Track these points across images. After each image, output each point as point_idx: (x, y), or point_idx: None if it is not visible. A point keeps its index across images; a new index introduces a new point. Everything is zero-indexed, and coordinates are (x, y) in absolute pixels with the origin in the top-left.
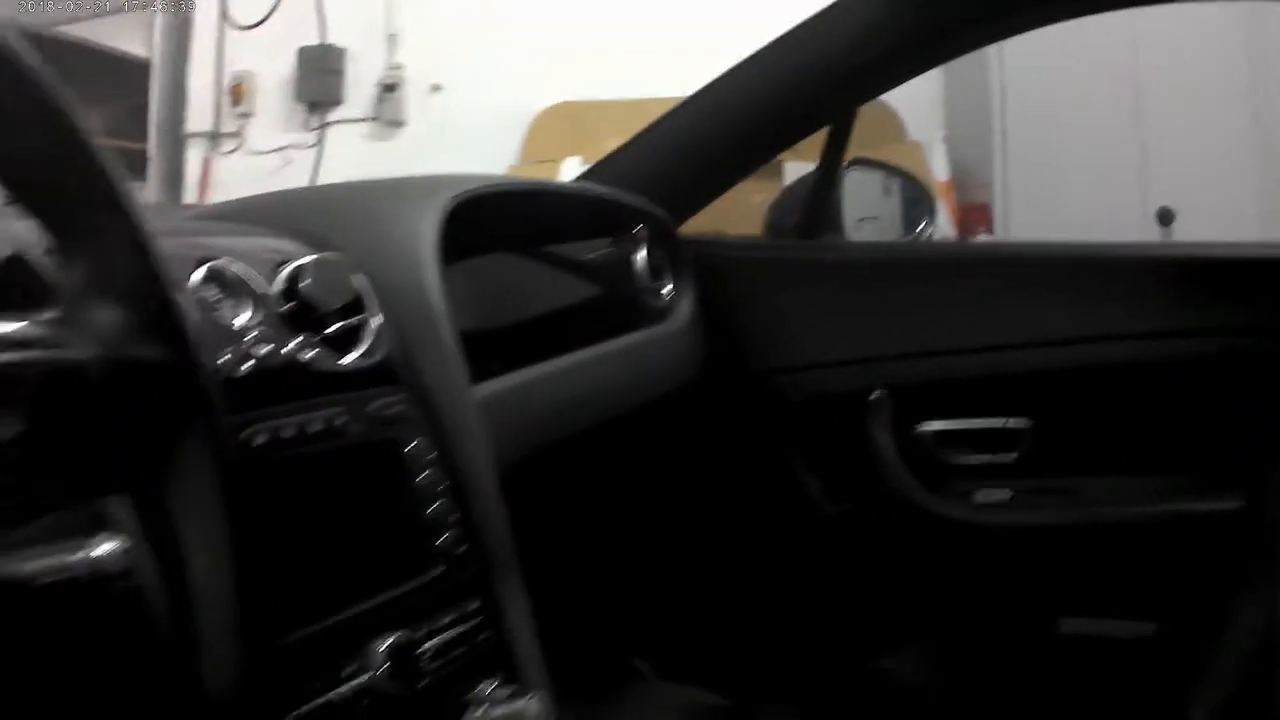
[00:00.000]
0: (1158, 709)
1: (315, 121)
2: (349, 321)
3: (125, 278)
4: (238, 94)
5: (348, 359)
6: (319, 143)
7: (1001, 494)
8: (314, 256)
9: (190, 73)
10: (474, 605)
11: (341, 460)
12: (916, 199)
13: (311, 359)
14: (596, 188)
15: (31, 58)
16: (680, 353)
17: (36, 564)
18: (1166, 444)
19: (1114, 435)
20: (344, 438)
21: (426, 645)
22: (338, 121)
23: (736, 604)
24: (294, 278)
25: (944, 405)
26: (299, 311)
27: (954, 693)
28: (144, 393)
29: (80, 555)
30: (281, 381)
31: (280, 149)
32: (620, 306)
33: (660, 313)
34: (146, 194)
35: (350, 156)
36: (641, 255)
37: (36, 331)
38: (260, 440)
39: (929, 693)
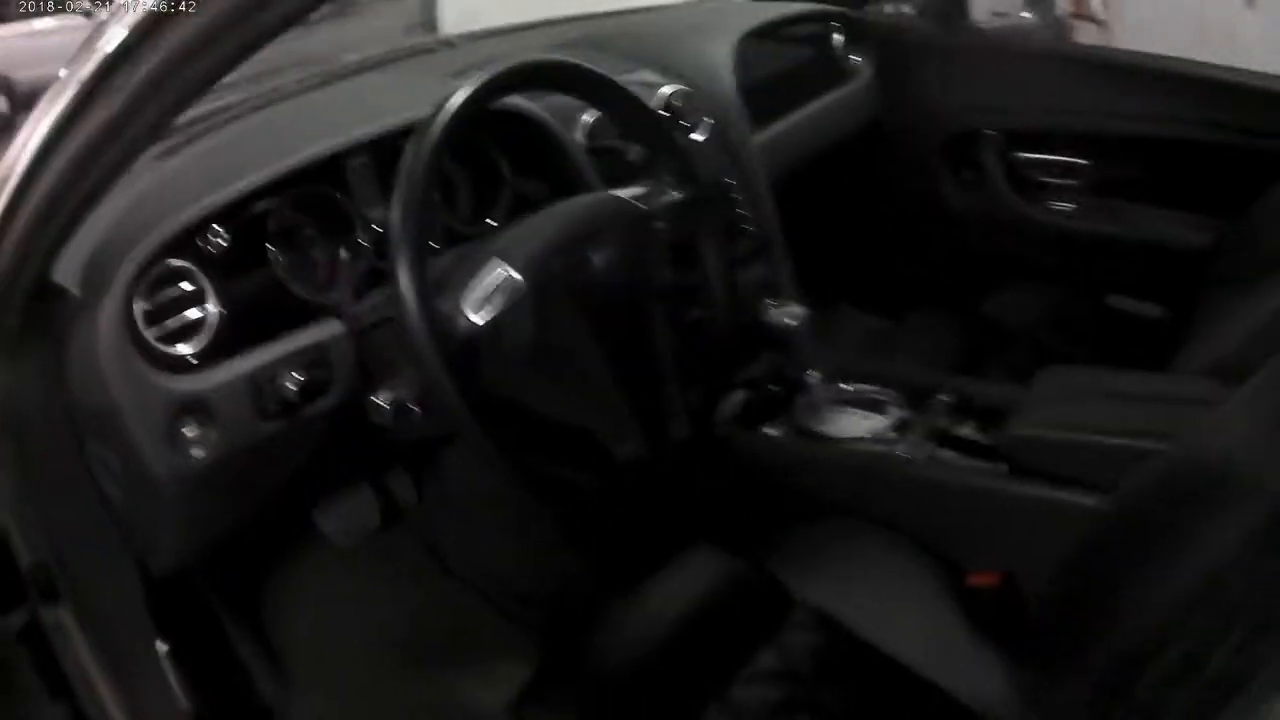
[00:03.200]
0: None
1: None
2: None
3: (677, 171)
4: None
5: (697, 137)
6: None
7: (1069, 206)
8: (678, 88)
9: None
10: (760, 258)
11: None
12: None
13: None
14: (807, 4)
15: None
16: (864, 103)
17: None
18: (1170, 189)
19: (1145, 176)
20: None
21: (741, 277)
22: None
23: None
24: (669, 101)
25: (1033, 144)
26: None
27: (1036, 329)
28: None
29: None
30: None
31: None
32: (824, 72)
33: (851, 75)
34: None
35: None
36: (837, 36)
37: (654, 190)
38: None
39: (1019, 326)
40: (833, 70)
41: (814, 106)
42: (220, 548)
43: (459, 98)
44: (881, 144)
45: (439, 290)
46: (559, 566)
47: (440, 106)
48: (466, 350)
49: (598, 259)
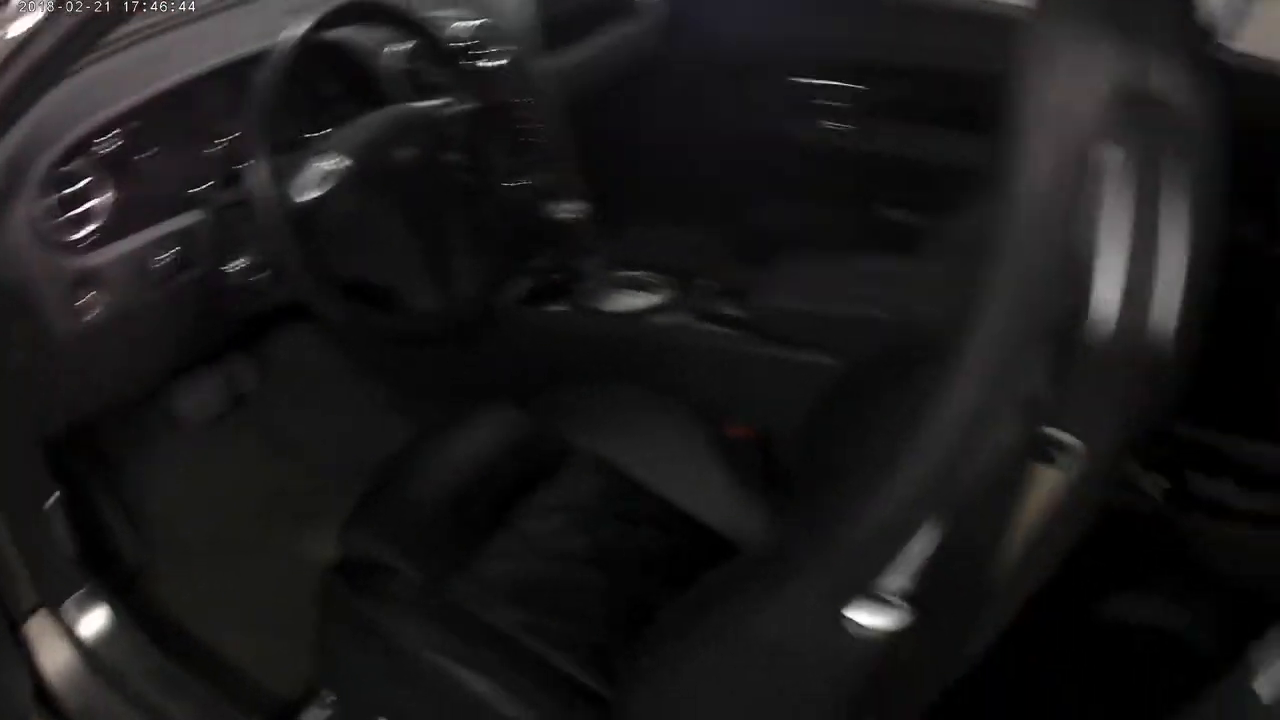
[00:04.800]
0: None
1: None
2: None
3: (469, 90)
4: None
5: (497, 63)
6: None
7: (844, 127)
8: (482, 21)
9: None
10: (548, 166)
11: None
12: None
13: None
14: None
15: None
16: (654, 35)
17: None
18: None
19: (917, 100)
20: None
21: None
22: None
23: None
24: (472, 32)
25: (813, 71)
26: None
27: (803, 236)
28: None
29: None
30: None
31: None
32: (618, 7)
33: (643, 11)
34: None
35: None
36: None
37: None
38: None
39: (786, 234)
40: (627, 6)
41: (606, 37)
42: (97, 416)
43: (292, 33)
44: (671, 72)
45: (283, 177)
46: (380, 437)
47: (277, 41)
48: (303, 218)
49: (400, 154)
